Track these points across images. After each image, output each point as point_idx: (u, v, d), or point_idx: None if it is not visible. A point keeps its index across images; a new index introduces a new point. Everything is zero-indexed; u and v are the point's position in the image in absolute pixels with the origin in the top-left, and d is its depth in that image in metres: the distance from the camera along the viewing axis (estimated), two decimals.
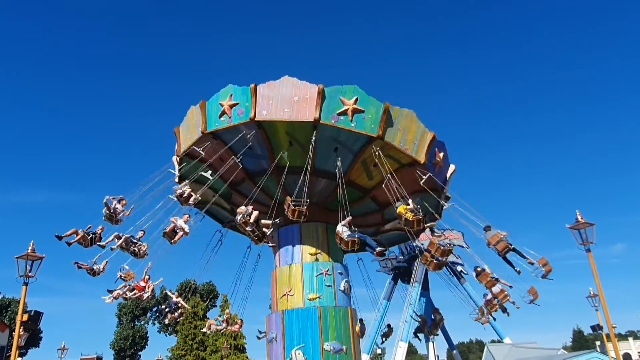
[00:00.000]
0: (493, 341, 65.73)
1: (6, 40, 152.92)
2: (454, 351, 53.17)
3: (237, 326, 20.69)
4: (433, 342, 43.48)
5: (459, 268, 42.77)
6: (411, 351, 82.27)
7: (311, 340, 16.68)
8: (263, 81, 15.81)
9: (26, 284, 14.68)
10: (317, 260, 18.21)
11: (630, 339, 71.97)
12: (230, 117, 15.99)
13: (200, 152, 16.67)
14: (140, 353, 61.50)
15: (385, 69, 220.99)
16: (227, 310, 19.55)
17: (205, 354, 48.85)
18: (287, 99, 15.52)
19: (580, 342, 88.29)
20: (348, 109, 15.50)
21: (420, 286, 43.79)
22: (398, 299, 48.06)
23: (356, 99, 15.47)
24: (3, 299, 54.97)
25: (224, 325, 19.62)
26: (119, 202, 15.07)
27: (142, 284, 16.37)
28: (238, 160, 16.52)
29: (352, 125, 15.54)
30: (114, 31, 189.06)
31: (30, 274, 14.72)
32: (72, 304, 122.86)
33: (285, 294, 17.90)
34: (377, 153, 15.88)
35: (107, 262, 15.54)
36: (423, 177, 16.51)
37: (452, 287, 42.53)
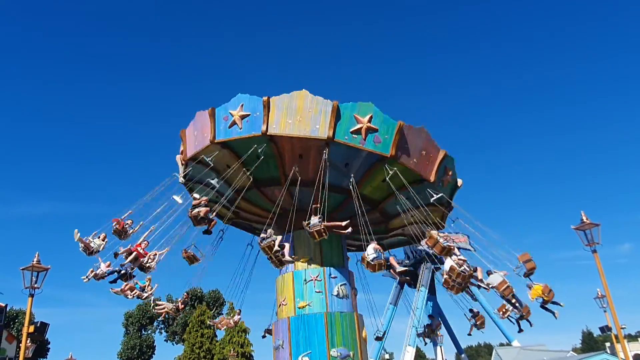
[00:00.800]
0: (501, 344, 65.36)
1: (8, 46, 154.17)
2: (462, 355, 52.88)
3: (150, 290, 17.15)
4: (441, 347, 43.32)
5: None
6: (419, 355, 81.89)
7: (318, 346, 16.62)
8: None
9: (32, 295, 14.70)
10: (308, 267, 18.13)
11: None
12: (364, 140, 15.73)
13: (331, 162, 16.06)
14: None
15: (380, 70, 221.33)
16: (149, 277, 16.80)
17: None
18: (417, 150, 16.60)
19: (590, 343, 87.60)
20: (447, 177, 18.11)
21: (427, 290, 43.69)
22: (405, 303, 47.91)
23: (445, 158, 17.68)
24: (10, 311, 55.08)
25: (148, 293, 16.86)
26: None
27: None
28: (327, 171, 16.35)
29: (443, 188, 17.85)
30: (117, 37, 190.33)
31: (36, 285, 14.76)
32: (79, 314, 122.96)
33: (280, 304, 18.01)
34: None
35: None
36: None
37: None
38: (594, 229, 15.45)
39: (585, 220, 15.58)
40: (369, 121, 15.60)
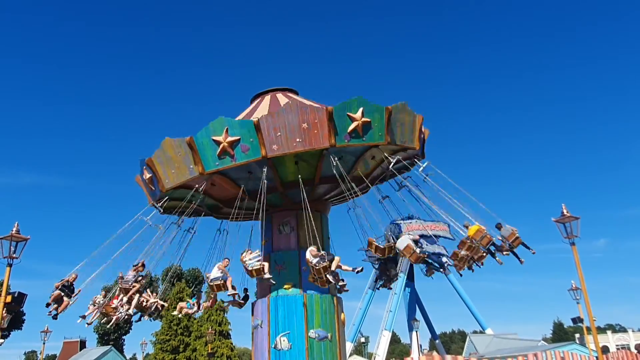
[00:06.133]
0: (475, 332, 66.70)
1: None
2: (437, 341, 53.92)
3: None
4: (416, 332, 44.08)
5: (443, 259, 43.15)
6: (394, 340, 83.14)
7: (296, 327, 16.71)
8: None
9: (10, 265, 14.50)
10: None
11: (609, 332, 73.43)
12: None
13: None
14: (124, 337, 61.55)
15: (368, 66, 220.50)
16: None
17: (190, 339, 48.95)
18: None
19: (560, 334, 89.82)
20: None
21: (406, 276, 44.28)
22: (383, 289, 48.49)
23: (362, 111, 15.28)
24: None
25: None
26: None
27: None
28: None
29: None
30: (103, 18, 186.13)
31: (14, 255, 14.54)
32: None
33: None
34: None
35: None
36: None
37: (437, 278, 43.00)
38: (574, 222, 15.74)
39: (565, 213, 15.84)
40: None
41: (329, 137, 14.89)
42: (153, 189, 16.91)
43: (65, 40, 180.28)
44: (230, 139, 14.70)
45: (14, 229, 14.60)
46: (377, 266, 50.98)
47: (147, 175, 16.74)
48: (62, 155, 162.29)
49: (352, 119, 15.17)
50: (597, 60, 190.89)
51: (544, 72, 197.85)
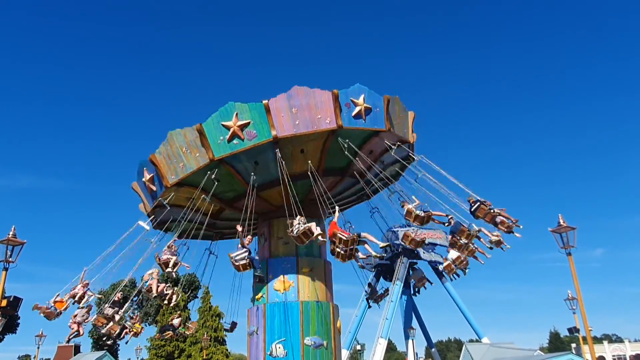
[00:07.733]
0: (471, 340, 66.50)
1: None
2: (433, 349, 53.75)
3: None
4: (412, 340, 43.94)
5: (440, 267, 43.28)
6: (390, 348, 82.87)
7: (292, 334, 16.69)
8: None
9: (6, 269, 14.43)
10: None
11: (605, 342, 73.39)
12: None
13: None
14: (119, 342, 61.06)
15: (366, 67, 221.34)
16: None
17: (185, 345, 48.68)
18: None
19: (556, 344, 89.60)
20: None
21: (402, 284, 44.13)
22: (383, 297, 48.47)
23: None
24: None
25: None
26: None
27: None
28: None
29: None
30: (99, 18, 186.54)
31: (10, 259, 14.47)
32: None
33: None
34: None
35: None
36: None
37: (435, 285, 43.17)
38: (570, 232, 15.74)
39: (562, 223, 15.85)
40: (237, 118, 15.02)
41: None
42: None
43: (65, 42, 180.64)
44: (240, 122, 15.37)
45: (11, 233, 14.54)
46: (374, 273, 50.92)
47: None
48: (59, 158, 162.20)
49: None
50: (597, 63, 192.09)
51: (542, 76, 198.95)
